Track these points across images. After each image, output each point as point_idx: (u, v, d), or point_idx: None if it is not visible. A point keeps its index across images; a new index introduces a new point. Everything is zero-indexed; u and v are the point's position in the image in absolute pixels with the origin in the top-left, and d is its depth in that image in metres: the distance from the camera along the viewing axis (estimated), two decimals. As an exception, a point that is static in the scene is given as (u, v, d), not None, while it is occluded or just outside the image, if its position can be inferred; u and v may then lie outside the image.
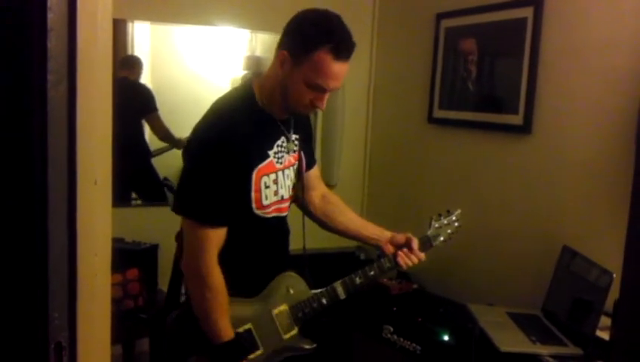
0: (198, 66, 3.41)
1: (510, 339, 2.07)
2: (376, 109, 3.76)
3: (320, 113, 3.63)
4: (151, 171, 3.39)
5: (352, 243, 3.83)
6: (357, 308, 2.59)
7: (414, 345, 2.37)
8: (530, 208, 2.62)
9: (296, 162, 1.74)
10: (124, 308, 2.62)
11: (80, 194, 0.95)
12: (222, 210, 1.55)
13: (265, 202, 1.62)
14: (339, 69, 1.51)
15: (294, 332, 1.70)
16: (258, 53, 3.63)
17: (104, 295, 1.11)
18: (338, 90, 3.65)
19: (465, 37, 2.98)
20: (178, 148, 3.34)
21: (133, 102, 3.33)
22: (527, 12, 2.60)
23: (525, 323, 2.22)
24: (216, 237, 1.55)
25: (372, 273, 1.76)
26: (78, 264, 0.98)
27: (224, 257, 1.61)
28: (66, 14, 0.85)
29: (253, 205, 1.60)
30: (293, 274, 1.74)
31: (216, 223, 1.55)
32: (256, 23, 3.43)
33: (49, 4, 0.82)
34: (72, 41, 0.86)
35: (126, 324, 2.62)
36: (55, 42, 0.83)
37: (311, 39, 1.50)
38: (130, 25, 3.23)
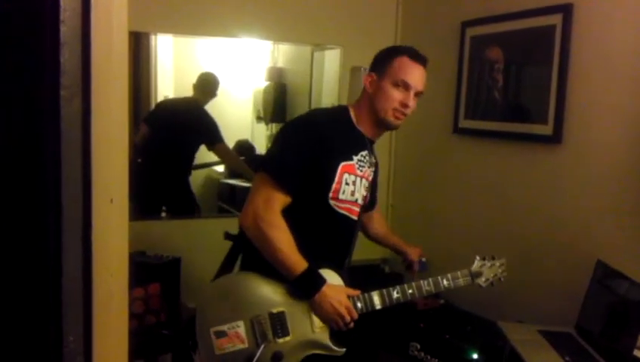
0: (220, 77, 3.41)
1: (543, 359, 1.99)
2: (400, 120, 3.70)
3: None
4: (185, 187, 3.43)
5: (376, 256, 3.78)
6: (382, 324, 2.53)
7: (442, 363, 2.31)
8: (561, 221, 2.54)
9: (370, 182, 1.93)
10: (146, 323, 2.60)
11: (95, 213, 0.92)
12: (296, 180, 1.73)
13: (342, 196, 1.79)
14: (417, 69, 1.86)
15: (326, 328, 1.76)
16: (280, 64, 3.61)
17: (121, 316, 1.08)
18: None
19: (491, 45, 2.92)
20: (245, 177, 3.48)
21: (195, 125, 3.41)
22: (555, 19, 2.53)
23: (558, 341, 2.13)
24: (282, 199, 1.72)
25: (410, 291, 1.83)
26: (94, 285, 0.95)
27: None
28: (79, 27, 0.82)
29: (330, 194, 1.77)
30: (333, 272, 1.80)
31: (286, 187, 1.72)
32: (279, 35, 3.41)
33: (62, 16, 0.79)
34: (86, 55, 0.83)
35: (148, 340, 2.59)
36: (68, 56, 0.81)
37: (388, 54, 1.89)
38: (153, 37, 3.24)
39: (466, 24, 3.07)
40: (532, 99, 2.70)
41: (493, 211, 2.90)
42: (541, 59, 2.61)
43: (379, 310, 1.83)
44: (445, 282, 1.87)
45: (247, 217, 1.73)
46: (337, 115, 1.90)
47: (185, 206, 3.46)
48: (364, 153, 1.87)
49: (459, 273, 1.91)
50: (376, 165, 1.98)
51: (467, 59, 3.08)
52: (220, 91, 3.41)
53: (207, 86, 3.32)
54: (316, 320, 1.75)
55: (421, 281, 1.85)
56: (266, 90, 3.60)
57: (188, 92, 3.36)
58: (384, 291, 1.81)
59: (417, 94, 1.86)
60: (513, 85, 2.83)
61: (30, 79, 0.79)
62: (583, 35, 2.45)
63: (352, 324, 1.76)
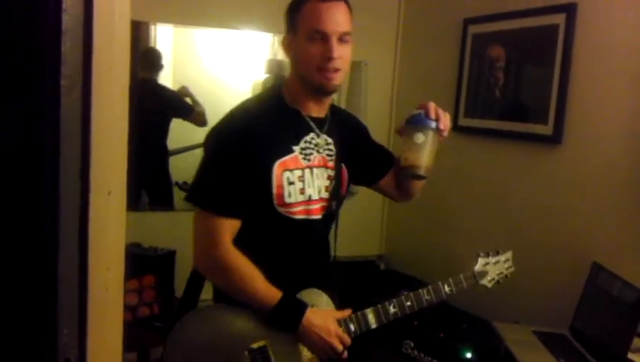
0: (219, 69, 3.39)
1: (537, 360, 1.99)
2: (399, 116, 3.69)
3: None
4: (163, 172, 3.38)
5: (372, 253, 3.77)
6: (389, 322, 2.53)
7: (435, 361, 2.30)
8: (558, 222, 2.54)
9: (333, 169, 1.62)
10: (139, 315, 2.59)
11: (93, 205, 0.90)
12: (233, 200, 1.48)
13: (288, 200, 1.51)
14: (329, 8, 1.47)
15: (316, 358, 1.53)
16: (280, 56, 3.58)
17: (116, 310, 1.06)
18: (361, 94, 3.63)
19: (493, 43, 2.91)
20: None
21: (160, 106, 3.35)
22: (558, 18, 2.52)
23: (552, 343, 2.13)
24: (229, 227, 1.48)
25: (408, 303, 1.59)
26: (90, 278, 0.94)
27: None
28: (81, 16, 0.80)
29: (275, 201, 1.50)
30: (318, 291, 1.57)
31: (226, 213, 1.47)
32: (279, 27, 3.36)
33: (64, 5, 0.77)
34: (87, 45, 0.81)
35: (141, 332, 2.58)
36: (69, 45, 0.79)
37: (294, 6, 1.54)
38: (152, 27, 3.21)
39: (468, 21, 3.06)
40: (533, 99, 2.69)
41: (491, 210, 2.90)
42: (543, 59, 2.60)
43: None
44: (447, 288, 1.64)
45: (200, 262, 1.52)
46: (266, 103, 1.59)
47: (165, 191, 3.41)
48: (308, 138, 1.56)
49: (461, 276, 1.68)
50: (343, 142, 1.65)
51: (468, 57, 3.06)
52: (219, 83, 3.38)
53: (153, 61, 3.27)
54: (304, 350, 1.51)
55: (420, 291, 1.62)
56: (265, 82, 3.58)
57: (186, 82, 3.33)
58: (379, 307, 1.56)
59: (343, 38, 1.48)
60: (514, 84, 2.82)
61: (31, 68, 0.77)
62: (586, 35, 2.44)
63: (345, 354, 1.52)
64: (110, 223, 0.96)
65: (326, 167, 1.59)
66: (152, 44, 3.24)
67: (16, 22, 0.76)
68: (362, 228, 3.70)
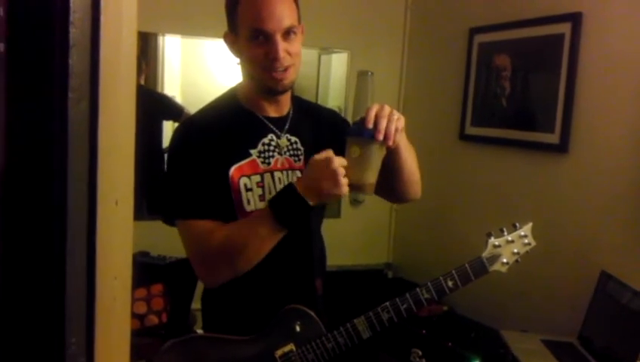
0: (227, 80, 3.40)
1: (545, 369, 1.98)
2: (405, 125, 3.69)
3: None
4: (158, 174, 3.37)
5: (380, 261, 3.77)
6: (383, 329, 2.52)
7: (443, 370, 2.30)
8: (566, 231, 2.53)
9: (303, 170, 1.48)
10: (148, 323, 2.60)
11: (100, 215, 0.91)
12: (202, 201, 1.40)
13: (248, 207, 1.41)
14: (264, 4, 1.35)
15: None
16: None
17: (124, 319, 1.07)
18: (367, 104, 3.64)
19: (499, 52, 2.92)
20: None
21: (151, 109, 3.33)
22: (564, 27, 2.52)
23: (561, 351, 2.13)
24: (208, 228, 1.39)
25: (404, 306, 1.42)
26: (97, 287, 0.95)
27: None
28: (89, 29, 0.82)
29: (236, 209, 1.41)
30: (301, 307, 1.44)
31: (200, 215, 1.38)
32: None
33: (71, 18, 0.79)
34: (94, 58, 0.83)
35: (149, 341, 2.59)
36: (77, 58, 0.80)
37: (231, 1, 1.44)
38: (160, 38, 3.24)
39: (474, 30, 3.07)
40: (539, 108, 2.70)
41: (497, 219, 2.89)
42: (549, 68, 2.60)
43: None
44: (450, 283, 1.43)
45: (201, 271, 1.42)
46: (221, 106, 1.52)
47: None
48: (266, 140, 1.45)
49: (466, 266, 1.46)
50: (316, 138, 1.52)
51: (475, 66, 3.07)
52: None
53: (137, 65, 3.28)
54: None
55: (417, 289, 1.43)
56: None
57: (195, 93, 3.36)
58: (371, 315, 1.42)
59: (288, 33, 1.36)
60: (520, 93, 2.83)
61: (39, 81, 0.79)
62: (591, 44, 2.44)
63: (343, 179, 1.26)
64: (117, 232, 0.97)
65: (293, 168, 1.48)
66: (160, 55, 3.28)
67: (23, 35, 0.78)
68: (369, 237, 3.70)
